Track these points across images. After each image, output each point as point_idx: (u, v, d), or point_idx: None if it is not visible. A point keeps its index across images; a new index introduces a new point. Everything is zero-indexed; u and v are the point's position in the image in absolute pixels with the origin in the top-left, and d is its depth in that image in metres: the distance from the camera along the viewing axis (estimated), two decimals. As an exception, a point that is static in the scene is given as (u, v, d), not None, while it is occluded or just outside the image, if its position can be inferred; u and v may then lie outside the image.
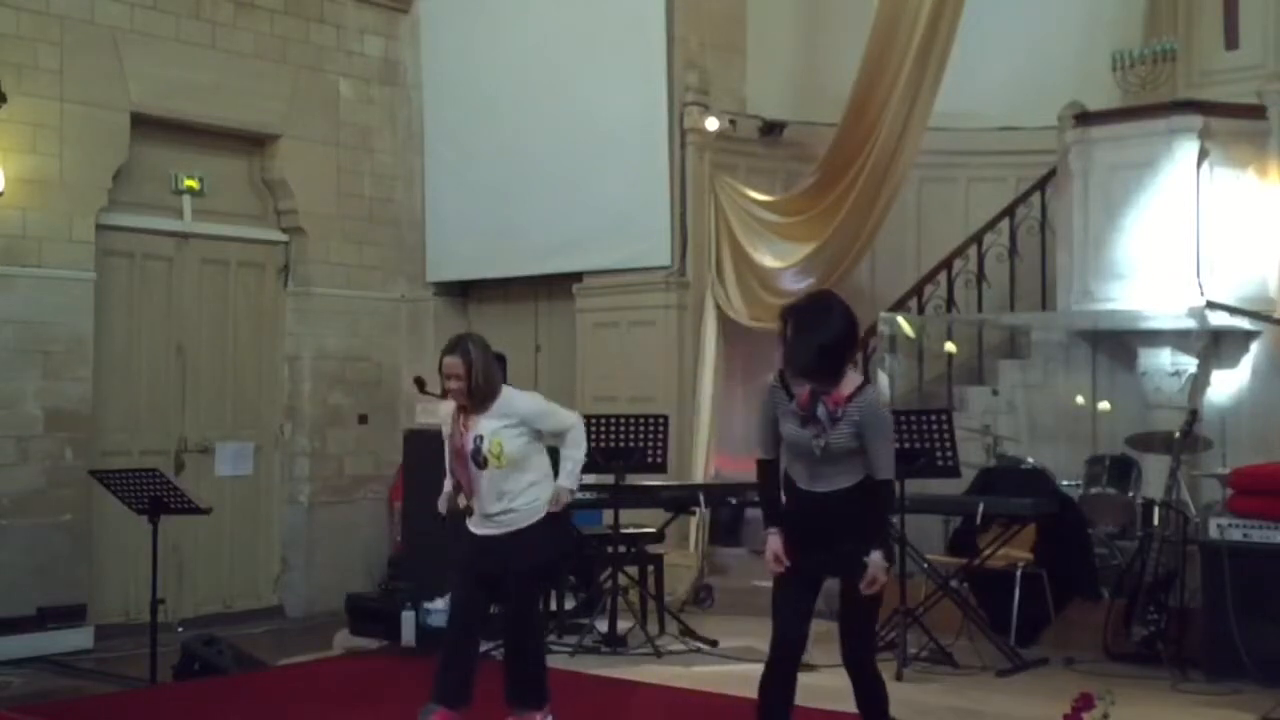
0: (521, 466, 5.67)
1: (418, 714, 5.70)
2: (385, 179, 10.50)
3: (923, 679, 6.73)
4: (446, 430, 5.82)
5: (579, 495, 7.66)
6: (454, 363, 5.60)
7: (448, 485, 5.87)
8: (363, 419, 10.21)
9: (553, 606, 8.01)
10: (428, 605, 7.67)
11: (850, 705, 5.84)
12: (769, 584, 8.47)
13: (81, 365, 8.57)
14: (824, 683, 6.62)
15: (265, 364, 9.88)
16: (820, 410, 4.67)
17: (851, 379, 4.77)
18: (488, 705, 6.01)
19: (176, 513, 7.13)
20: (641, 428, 7.83)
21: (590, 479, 7.97)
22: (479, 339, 5.78)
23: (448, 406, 5.80)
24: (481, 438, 5.62)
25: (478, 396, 5.62)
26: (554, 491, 5.70)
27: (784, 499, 4.94)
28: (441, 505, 5.88)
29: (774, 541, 4.84)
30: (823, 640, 7.45)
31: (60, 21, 8.55)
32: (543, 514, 5.70)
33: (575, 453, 5.78)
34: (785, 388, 4.81)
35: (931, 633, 7.01)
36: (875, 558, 4.71)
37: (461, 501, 5.83)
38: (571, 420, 5.84)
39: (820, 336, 4.65)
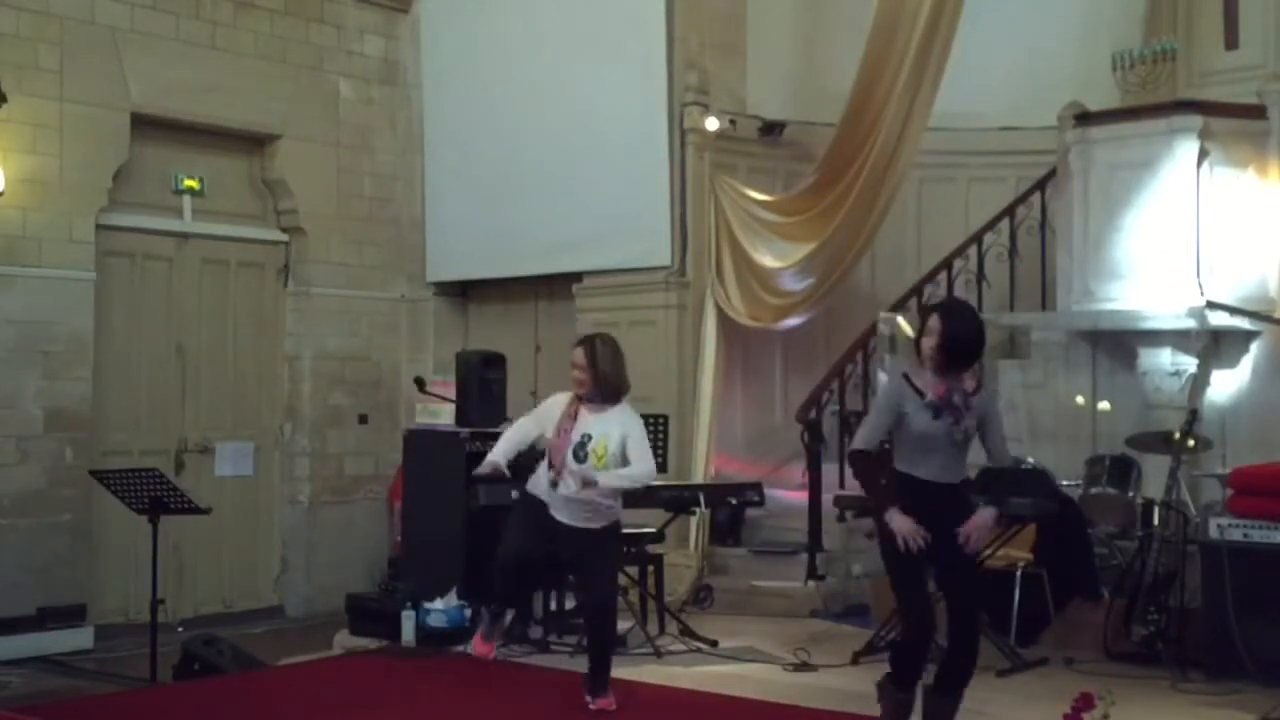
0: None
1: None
2: (385, 179, 10.50)
3: (923, 679, 6.71)
4: (556, 414, 6.09)
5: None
6: (578, 353, 6.05)
7: (500, 448, 6.19)
8: (363, 419, 10.22)
9: (552, 606, 8.02)
10: (428, 605, 7.67)
11: (853, 705, 5.87)
12: (769, 584, 8.50)
13: (81, 365, 8.58)
14: (824, 683, 6.64)
15: (265, 364, 9.88)
16: (957, 398, 5.14)
17: (970, 381, 5.25)
18: (489, 705, 6.02)
19: (176, 513, 7.12)
20: (641, 428, 7.82)
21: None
22: (609, 340, 6.18)
23: (559, 399, 6.17)
24: (590, 436, 5.97)
25: (600, 390, 5.98)
26: (582, 470, 5.90)
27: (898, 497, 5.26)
28: (483, 468, 6.23)
29: (903, 520, 5.11)
30: (822, 640, 7.49)
31: (60, 21, 8.55)
32: (617, 519, 6.14)
33: (633, 472, 6.00)
34: (911, 385, 5.23)
35: (931, 633, 6.99)
36: (986, 511, 5.18)
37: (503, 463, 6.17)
38: (649, 468, 6.08)
39: (968, 330, 5.22)
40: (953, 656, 5.29)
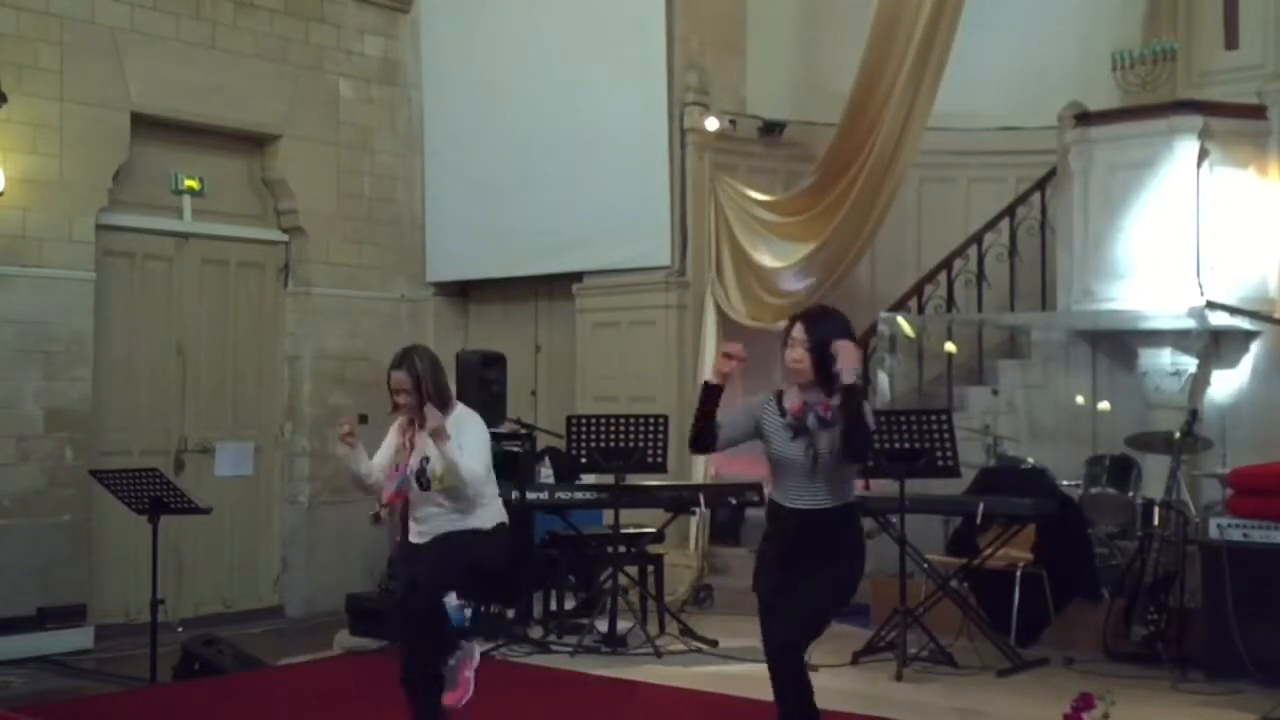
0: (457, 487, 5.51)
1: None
2: (385, 179, 10.49)
3: (923, 679, 6.73)
4: (392, 441, 5.63)
5: (578, 496, 7.73)
6: (401, 378, 5.47)
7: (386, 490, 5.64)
8: (363, 419, 10.18)
9: (552, 606, 8.04)
10: (428, 605, 7.66)
11: (853, 705, 5.86)
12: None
13: (81, 365, 8.57)
14: (824, 683, 6.62)
15: (265, 364, 9.88)
16: (811, 419, 4.65)
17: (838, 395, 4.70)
18: (489, 705, 6.02)
19: (176, 513, 7.13)
20: (641, 428, 7.83)
21: (590, 479, 8.01)
22: (425, 351, 5.62)
23: (393, 428, 5.64)
24: (429, 459, 5.47)
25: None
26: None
27: (767, 525, 4.86)
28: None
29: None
30: (822, 640, 7.48)
31: (60, 21, 8.54)
32: (449, 532, 5.52)
33: (468, 464, 5.42)
34: (779, 402, 4.78)
35: (931, 633, 7.01)
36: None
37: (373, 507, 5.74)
38: (478, 465, 5.49)
39: (824, 334, 4.66)
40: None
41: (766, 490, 7.81)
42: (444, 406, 5.50)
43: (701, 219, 9.46)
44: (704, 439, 4.84)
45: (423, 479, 5.48)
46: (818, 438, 4.64)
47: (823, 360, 4.65)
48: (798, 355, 4.71)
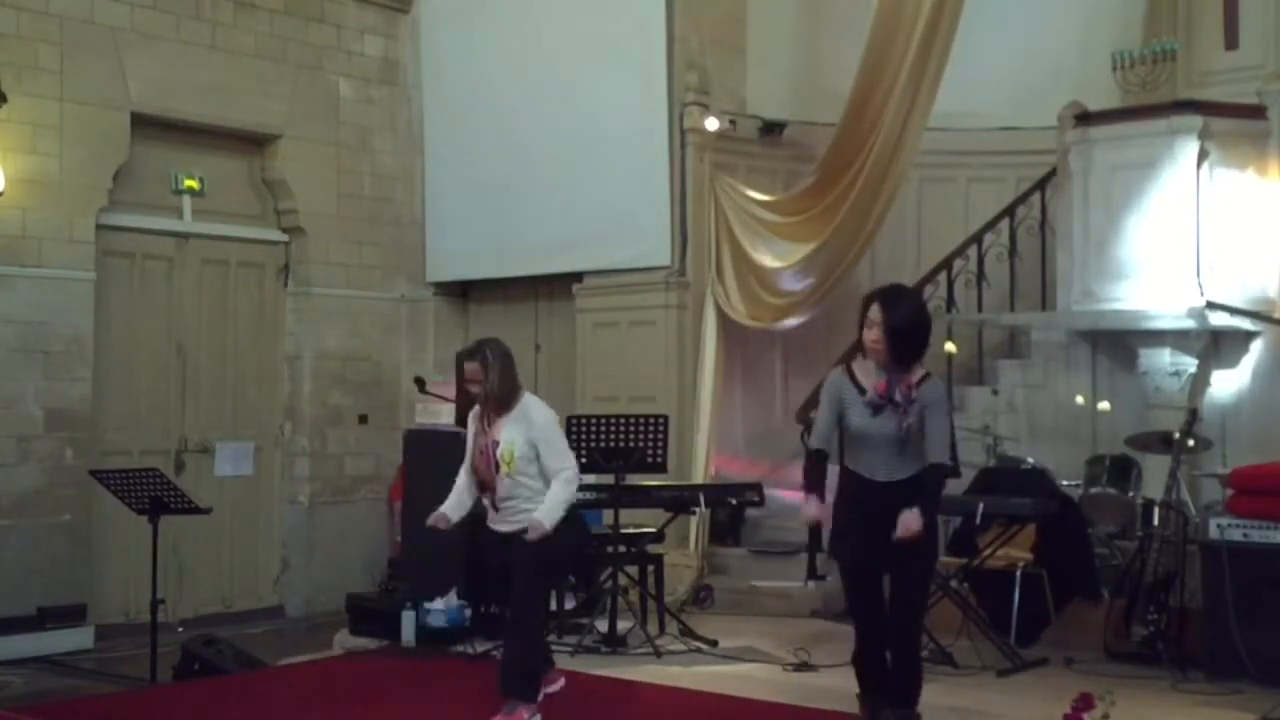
0: (531, 470, 5.87)
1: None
2: (385, 179, 10.50)
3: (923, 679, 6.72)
4: (472, 429, 6.01)
5: (580, 495, 7.72)
6: (474, 368, 5.87)
7: (450, 500, 6.06)
8: (363, 419, 10.21)
9: (553, 606, 8.02)
10: (428, 605, 7.67)
11: (853, 705, 5.86)
12: (769, 584, 8.50)
13: (81, 365, 8.58)
14: (824, 683, 6.64)
15: (265, 364, 9.88)
16: (898, 395, 4.85)
17: (917, 371, 4.99)
18: (484, 708, 6.02)
19: (176, 513, 7.12)
20: (641, 428, 7.83)
21: (590, 479, 7.99)
22: (498, 345, 5.96)
23: (471, 421, 6.05)
24: (498, 444, 5.85)
25: (493, 401, 5.87)
26: (531, 521, 5.77)
27: (840, 492, 5.12)
28: (434, 520, 6.02)
29: (808, 506, 5.00)
30: (822, 640, 7.49)
31: (60, 21, 8.54)
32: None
33: (561, 493, 5.84)
34: (852, 378, 4.96)
35: (931, 633, 7.00)
36: (912, 511, 4.82)
37: (452, 515, 6.06)
38: (567, 465, 5.90)
39: (911, 318, 4.94)
40: (892, 668, 5.17)
41: (766, 489, 7.85)
42: (510, 400, 5.87)
43: (701, 219, 9.45)
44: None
45: (496, 462, 5.84)
46: (908, 412, 4.84)
47: (897, 341, 4.86)
48: (875, 336, 4.90)
